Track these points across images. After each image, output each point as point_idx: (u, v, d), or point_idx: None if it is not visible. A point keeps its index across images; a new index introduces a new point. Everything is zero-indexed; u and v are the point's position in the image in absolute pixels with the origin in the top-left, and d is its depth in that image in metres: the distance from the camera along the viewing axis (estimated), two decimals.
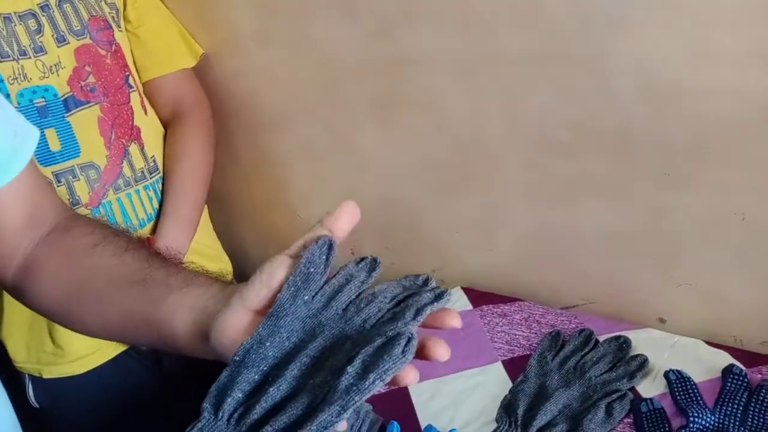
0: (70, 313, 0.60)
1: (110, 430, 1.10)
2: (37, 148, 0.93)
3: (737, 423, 0.76)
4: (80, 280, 0.59)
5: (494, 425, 0.82)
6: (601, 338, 0.92)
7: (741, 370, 0.83)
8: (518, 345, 0.95)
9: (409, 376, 0.41)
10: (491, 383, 0.89)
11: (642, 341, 0.91)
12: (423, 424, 0.84)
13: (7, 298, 1.01)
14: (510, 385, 0.88)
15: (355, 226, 1.20)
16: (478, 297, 1.07)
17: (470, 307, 1.05)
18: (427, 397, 0.88)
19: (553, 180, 0.98)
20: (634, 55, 0.83)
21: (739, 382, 0.81)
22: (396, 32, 0.99)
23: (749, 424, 0.76)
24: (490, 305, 1.04)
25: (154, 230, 1.06)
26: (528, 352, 0.93)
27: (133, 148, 1.05)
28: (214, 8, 1.15)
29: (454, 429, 0.82)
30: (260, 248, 1.40)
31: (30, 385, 1.09)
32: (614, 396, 0.82)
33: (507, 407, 0.84)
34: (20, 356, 1.06)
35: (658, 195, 0.90)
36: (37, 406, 1.10)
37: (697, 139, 0.84)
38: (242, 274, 1.29)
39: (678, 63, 0.81)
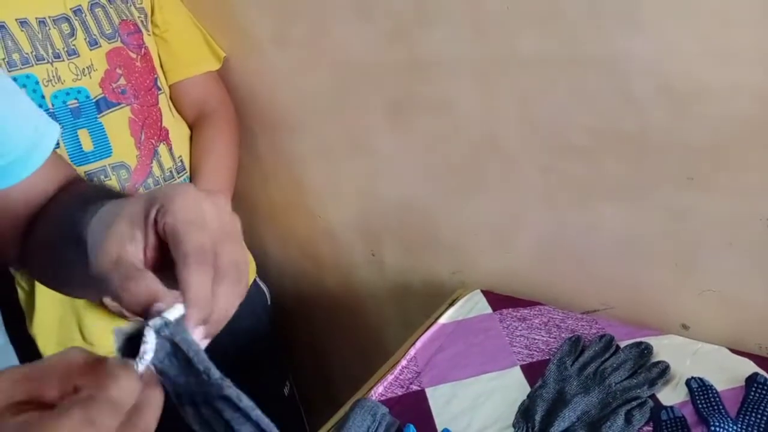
0: (45, 271, 0.61)
1: None
2: (71, 148, 0.97)
3: None
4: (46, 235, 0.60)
5: (511, 431, 0.81)
6: (622, 344, 0.91)
7: (765, 380, 0.81)
8: (537, 350, 0.95)
9: None
10: (509, 388, 0.88)
11: (664, 348, 0.89)
12: (440, 428, 0.83)
13: (39, 294, 1.03)
14: (528, 390, 0.87)
15: (372, 228, 1.22)
16: (498, 300, 1.06)
17: (489, 310, 1.05)
18: (444, 401, 0.88)
19: (571, 183, 0.98)
20: (652, 55, 0.82)
21: (764, 392, 0.80)
22: (412, 34, 1.00)
23: None
24: (510, 309, 1.04)
25: None
26: (547, 357, 0.92)
27: (162, 149, 1.07)
28: (233, 12, 1.17)
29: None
30: (280, 248, 1.42)
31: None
32: (634, 403, 0.81)
33: (524, 412, 0.83)
34: (50, 352, 1.08)
35: (679, 198, 0.89)
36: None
37: (718, 141, 0.83)
38: (262, 273, 1.31)
39: (698, 63, 0.80)
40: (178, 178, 1.09)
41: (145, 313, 0.39)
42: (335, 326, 1.44)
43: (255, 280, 1.28)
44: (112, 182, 1.01)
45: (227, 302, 0.40)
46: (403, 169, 1.15)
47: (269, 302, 1.32)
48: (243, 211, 1.29)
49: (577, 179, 0.97)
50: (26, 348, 1.08)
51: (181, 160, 1.10)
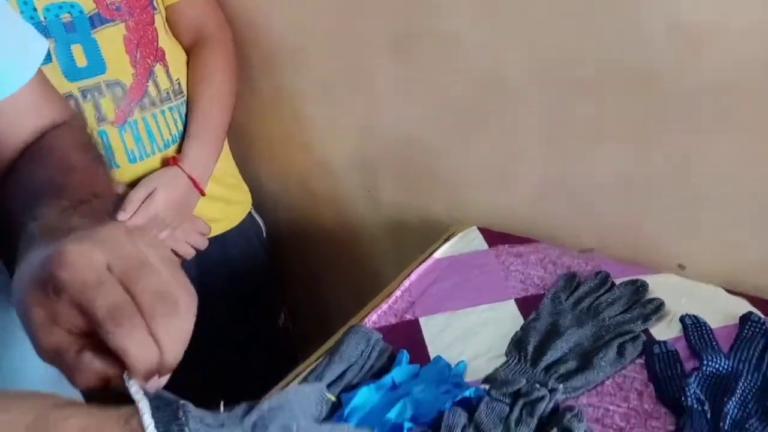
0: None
1: None
2: (64, 63, 0.95)
3: (751, 368, 0.75)
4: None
5: (503, 359, 0.82)
6: (618, 281, 0.91)
7: (759, 318, 0.81)
8: (532, 284, 0.94)
9: None
10: (503, 320, 0.88)
11: (659, 286, 0.89)
12: (432, 356, 0.84)
13: None
14: (522, 322, 0.87)
15: (370, 164, 1.19)
16: (494, 237, 1.06)
17: (485, 246, 1.04)
18: (438, 330, 0.88)
19: (575, 122, 0.96)
20: None
21: (757, 329, 0.80)
22: None
23: (764, 369, 0.74)
24: (506, 245, 1.03)
25: (179, 151, 1.06)
26: (542, 292, 0.92)
27: (159, 69, 1.04)
28: None
29: (462, 361, 0.82)
30: (276, 181, 1.40)
31: None
32: (627, 337, 0.81)
33: (517, 343, 0.83)
34: None
35: (684, 140, 0.87)
36: None
37: (728, 83, 0.81)
38: (258, 207, 1.29)
39: (710, 2, 0.77)
40: (176, 100, 1.07)
41: (101, 388, 0.37)
42: (330, 261, 1.43)
43: (250, 212, 1.27)
44: (107, 100, 0.98)
45: (173, 337, 0.37)
46: (404, 105, 1.13)
47: (264, 234, 1.31)
48: (240, 143, 1.29)
49: (582, 118, 0.95)
50: None
51: (179, 83, 1.08)
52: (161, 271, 0.38)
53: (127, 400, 0.36)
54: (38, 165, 0.59)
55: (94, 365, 0.37)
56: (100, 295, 0.36)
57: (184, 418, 0.35)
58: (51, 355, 0.37)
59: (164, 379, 0.39)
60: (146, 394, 0.36)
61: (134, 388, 0.36)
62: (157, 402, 0.36)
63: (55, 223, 0.46)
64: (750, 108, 0.81)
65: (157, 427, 0.35)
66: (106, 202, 0.54)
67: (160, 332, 0.36)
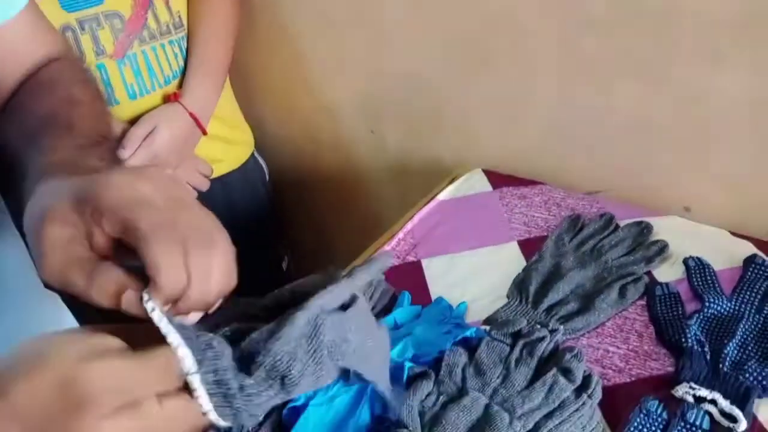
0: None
1: None
2: None
3: (753, 310, 0.75)
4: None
5: (505, 301, 0.82)
6: (622, 223, 0.90)
7: (763, 260, 0.80)
8: (536, 227, 0.94)
9: None
10: (505, 262, 0.88)
11: (664, 228, 0.88)
12: (434, 297, 0.84)
13: None
14: (524, 264, 0.87)
15: (374, 104, 1.16)
16: (499, 179, 1.05)
17: (489, 188, 1.03)
18: (440, 272, 0.88)
19: (586, 59, 0.93)
20: None
21: (760, 272, 0.79)
22: None
23: (765, 312, 0.74)
24: (510, 187, 1.02)
25: (180, 87, 1.04)
26: (545, 234, 0.91)
27: (158, 1, 1.01)
28: None
29: (464, 302, 0.82)
30: (278, 123, 1.38)
31: None
32: (629, 278, 0.81)
33: (519, 284, 0.83)
34: None
35: (697, 77, 0.85)
36: None
37: (743, 16, 0.78)
38: (260, 149, 1.28)
39: None
40: (176, 34, 1.04)
41: (115, 303, 0.36)
42: (333, 203, 1.43)
43: (253, 154, 1.26)
44: (105, 32, 0.96)
45: (203, 271, 0.37)
46: (410, 42, 1.10)
47: (267, 178, 1.30)
48: (239, 82, 1.26)
49: (593, 55, 0.92)
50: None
51: (179, 16, 1.05)
52: (199, 209, 0.39)
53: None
54: (40, 98, 0.58)
55: (113, 273, 0.37)
56: (146, 214, 0.36)
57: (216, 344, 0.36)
58: (65, 273, 0.37)
59: (194, 317, 0.39)
60: (169, 320, 0.36)
61: (150, 305, 0.36)
62: (179, 328, 0.36)
63: (74, 160, 0.46)
64: (765, 41, 0.79)
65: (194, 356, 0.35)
66: (114, 145, 0.54)
67: (192, 262, 0.36)
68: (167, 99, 1.02)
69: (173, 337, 0.35)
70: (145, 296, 0.36)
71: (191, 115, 1.01)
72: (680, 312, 0.76)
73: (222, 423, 0.36)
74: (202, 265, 0.37)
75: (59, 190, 0.39)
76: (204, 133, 1.05)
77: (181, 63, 1.05)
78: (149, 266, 0.35)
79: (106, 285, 0.36)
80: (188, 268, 0.36)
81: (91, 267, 0.37)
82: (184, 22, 1.06)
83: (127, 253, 0.38)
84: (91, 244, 0.38)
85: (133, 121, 0.98)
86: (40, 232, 0.37)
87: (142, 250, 0.35)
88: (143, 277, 0.37)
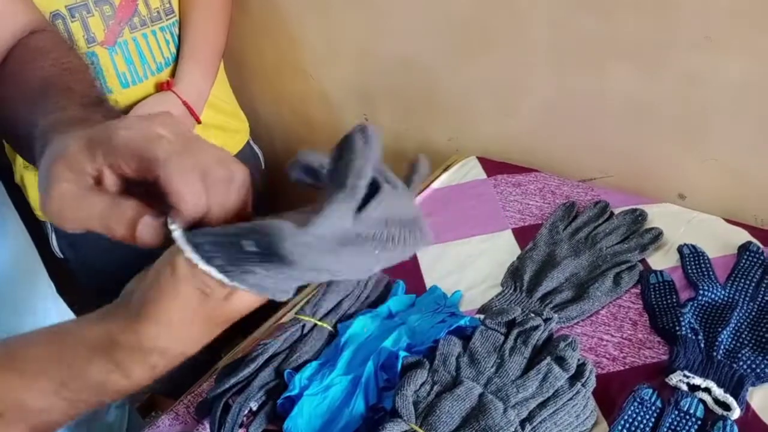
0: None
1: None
2: None
3: (747, 298, 0.75)
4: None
5: (499, 289, 0.82)
6: (617, 211, 0.90)
7: (758, 248, 0.80)
8: (530, 214, 0.94)
9: None
10: (499, 250, 0.88)
11: (658, 215, 0.88)
12: (428, 285, 0.84)
13: None
14: (518, 252, 0.87)
15: (368, 90, 1.15)
16: (493, 166, 1.04)
17: (484, 176, 1.03)
18: (434, 260, 0.88)
19: (580, 41, 0.92)
20: None
21: (755, 259, 0.79)
22: None
23: (759, 300, 0.74)
24: (505, 175, 1.02)
25: (173, 75, 1.03)
26: (540, 222, 0.91)
27: None
28: None
29: (458, 291, 0.82)
30: (271, 109, 1.37)
31: (53, 235, 1.10)
32: (623, 266, 0.81)
33: (513, 272, 0.83)
34: (39, 203, 1.06)
35: (694, 60, 0.84)
36: (61, 255, 1.12)
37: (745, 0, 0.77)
38: (254, 135, 1.27)
39: None
40: (167, 20, 1.03)
41: (130, 231, 0.37)
42: None
43: (248, 142, 1.25)
44: (96, 19, 0.95)
45: (222, 195, 0.37)
46: (404, 25, 1.09)
47: (263, 166, 1.29)
48: (232, 68, 1.25)
49: (588, 37, 0.91)
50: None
51: (170, 2, 1.03)
52: (213, 146, 0.39)
53: None
54: (32, 64, 0.57)
55: (129, 202, 0.37)
56: (162, 144, 0.36)
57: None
58: (75, 204, 0.37)
59: None
60: (189, 235, 0.36)
61: (174, 228, 0.36)
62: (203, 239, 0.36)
63: (82, 116, 0.46)
64: (762, 24, 0.78)
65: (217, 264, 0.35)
66: (112, 106, 0.54)
67: (213, 191, 0.36)
68: (160, 87, 1.01)
69: (194, 256, 0.35)
70: (170, 221, 0.36)
71: (184, 103, 1.00)
72: (674, 300, 0.76)
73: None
74: (221, 190, 0.37)
75: (70, 138, 0.39)
76: (198, 121, 1.04)
77: (173, 50, 1.04)
78: (171, 192, 0.35)
79: (124, 211, 0.37)
80: (208, 193, 0.36)
81: (102, 199, 0.37)
82: (175, 8, 1.04)
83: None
84: (112, 181, 0.38)
85: (127, 110, 0.97)
86: (49, 169, 0.38)
87: (161, 177, 0.35)
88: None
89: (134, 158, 0.36)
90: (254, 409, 0.68)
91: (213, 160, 0.37)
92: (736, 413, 0.62)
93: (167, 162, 0.35)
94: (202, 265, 0.35)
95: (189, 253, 0.35)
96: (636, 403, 0.63)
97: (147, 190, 0.37)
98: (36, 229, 1.06)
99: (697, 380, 0.64)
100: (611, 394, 0.66)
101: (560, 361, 0.65)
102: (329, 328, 0.75)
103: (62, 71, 0.55)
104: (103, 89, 0.59)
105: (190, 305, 0.35)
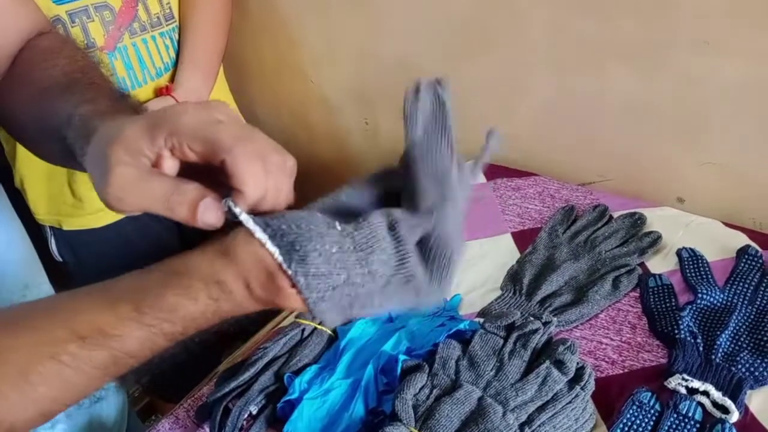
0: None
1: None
2: None
3: (745, 302, 0.75)
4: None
5: (499, 293, 0.82)
6: (616, 215, 0.90)
7: (756, 251, 0.81)
8: (530, 218, 0.94)
9: None
10: (498, 253, 0.88)
11: (657, 219, 0.89)
12: None
13: (21, 148, 1.01)
14: (518, 256, 0.87)
15: (368, 93, 1.15)
16: (493, 170, 1.04)
17: (483, 180, 1.03)
18: None
19: (580, 44, 0.93)
20: None
21: (753, 263, 0.80)
22: None
23: (758, 303, 0.75)
24: (504, 178, 1.02)
25: (172, 80, 1.03)
26: (539, 226, 0.92)
27: None
28: None
29: (458, 294, 0.82)
30: (271, 113, 1.38)
31: (52, 239, 1.11)
32: (622, 270, 0.81)
33: (513, 276, 0.83)
34: (40, 208, 1.07)
35: (692, 63, 0.84)
36: (60, 259, 1.12)
37: (739, 2, 0.78)
38: None
39: None
40: (167, 25, 1.03)
41: (192, 211, 0.38)
42: (328, 194, 1.42)
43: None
44: (96, 24, 0.95)
45: (279, 182, 0.39)
46: (403, 27, 1.09)
47: None
48: (232, 71, 1.25)
49: (587, 39, 0.91)
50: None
51: (170, 7, 1.04)
52: (269, 138, 0.40)
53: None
54: (47, 63, 0.58)
55: (191, 184, 0.38)
56: (226, 128, 0.37)
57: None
58: (136, 185, 0.38)
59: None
60: (254, 219, 0.37)
61: (239, 210, 0.37)
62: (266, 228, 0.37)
63: (117, 108, 0.47)
64: (761, 27, 0.78)
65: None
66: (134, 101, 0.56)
67: (271, 178, 0.38)
68: (159, 92, 1.02)
69: (261, 234, 0.37)
70: (232, 204, 0.37)
71: None
72: (673, 303, 0.76)
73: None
74: (279, 178, 0.38)
75: (125, 123, 0.40)
76: None
77: (173, 55, 1.04)
78: (235, 176, 0.37)
79: (186, 193, 0.38)
80: (267, 180, 0.38)
81: (163, 181, 0.38)
82: (175, 13, 1.05)
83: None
84: (171, 162, 0.40)
85: None
86: (106, 153, 0.38)
87: (227, 161, 0.37)
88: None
89: (200, 141, 0.37)
90: (254, 412, 0.68)
91: (270, 146, 0.38)
92: (734, 416, 0.62)
93: (233, 147, 0.37)
94: (270, 247, 0.36)
95: (259, 233, 0.37)
96: (635, 407, 0.63)
97: (199, 175, 0.39)
98: (35, 233, 1.06)
99: (696, 383, 0.64)
100: (610, 397, 0.66)
101: (559, 364, 0.65)
102: (329, 332, 0.75)
103: (80, 69, 0.56)
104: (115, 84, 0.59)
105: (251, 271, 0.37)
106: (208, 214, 0.38)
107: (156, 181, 0.38)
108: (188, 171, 0.39)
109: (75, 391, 0.37)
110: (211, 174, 0.39)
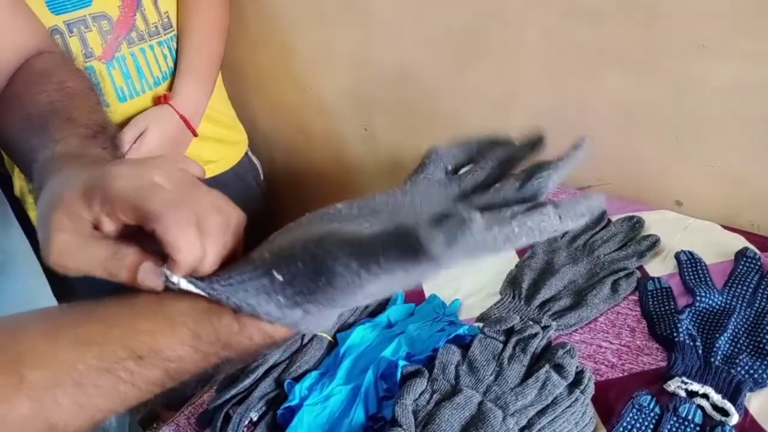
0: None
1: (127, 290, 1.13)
2: None
3: (744, 304, 0.75)
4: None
5: (498, 297, 0.82)
6: (614, 218, 0.90)
7: (755, 254, 0.81)
8: None
9: None
10: (497, 258, 0.88)
11: (656, 222, 0.89)
12: (427, 294, 0.84)
13: None
14: (516, 261, 0.87)
15: (366, 101, 1.16)
16: None
17: None
18: None
19: (576, 49, 0.93)
20: None
21: (752, 265, 0.80)
22: None
23: (756, 306, 0.75)
24: None
25: (170, 89, 1.04)
26: None
27: (146, 1, 1.01)
28: None
29: (457, 299, 0.82)
30: (269, 120, 1.38)
31: None
32: (621, 274, 0.81)
33: (512, 280, 0.84)
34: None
35: (688, 67, 0.85)
36: None
37: (734, 5, 0.78)
38: (252, 146, 1.28)
39: None
40: (165, 34, 1.03)
41: (131, 276, 0.38)
42: (327, 201, 1.41)
43: (246, 153, 1.26)
44: (94, 34, 0.95)
45: (219, 244, 0.38)
46: (400, 36, 1.10)
47: (262, 177, 1.30)
48: (230, 79, 1.26)
49: (583, 45, 0.92)
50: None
51: (168, 17, 1.04)
52: (210, 191, 0.39)
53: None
54: (36, 88, 0.58)
55: (129, 249, 0.38)
56: (157, 195, 0.37)
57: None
58: (75, 253, 0.38)
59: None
60: (195, 284, 0.37)
61: (176, 278, 0.37)
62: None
63: (78, 151, 0.48)
64: (756, 30, 0.79)
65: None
66: (116, 135, 0.56)
67: (209, 240, 0.37)
68: (157, 101, 1.02)
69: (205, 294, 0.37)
70: (167, 271, 0.37)
71: (181, 116, 1.01)
72: (672, 306, 0.76)
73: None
74: (218, 236, 0.38)
75: (68, 180, 0.40)
76: (195, 134, 1.04)
77: (171, 64, 1.05)
78: (167, 245, 0.36)
79: (124, 258, 0.38)
80: (204, 242, 0.37)
81: (102, 246, 0.38)
82: (173, 22, 1.05)
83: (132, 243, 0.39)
84: (109, 230, 0.39)
85: (124, 124, 0.98)
86: (49, 218, 0.38)
87: (157, 230, 0.36)
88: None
89: (131, 209, 0.37)
90: (254, 419, 0.68)
91: (209, 207, 0.38)
92: (734, 419, 0.62)
93: (162, 215, 0.36)
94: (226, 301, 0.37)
95: (202, 294, 0.37)
96: (635, 410, 0.63)
97: (146, 231, 0.38)
98: (35, 240, 1.06)
99: (696, 386, 0.64)
100: (610, 401, 0.66)
101: (559, 368, 0.65)
102: (329, 338, 0.76)
103: (65, 96, 0.57)
104: (105, 111, 0.59)
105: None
106: (148, 278, 0.37)
107: (94, 247, 0.38)
108: (137, 228, 0.39)
109: (127, 402, 0.37)
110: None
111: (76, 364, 0.35)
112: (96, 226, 0.38)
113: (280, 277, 0.36)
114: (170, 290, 0.38)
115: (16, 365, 0.34)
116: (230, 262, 0.39)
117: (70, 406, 0.35)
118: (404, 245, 0.33)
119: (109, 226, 0.38)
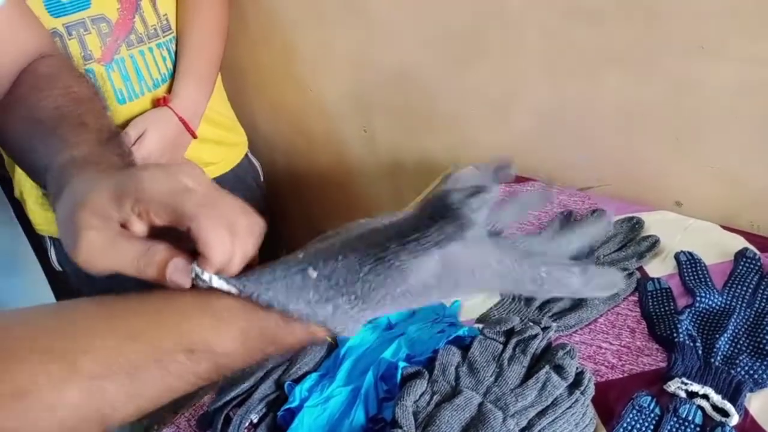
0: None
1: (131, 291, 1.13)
2: None
3: (744, 304, 0.75)
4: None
5: (498, 298, 0.82)
6: (614, 219, 0.90)
7: (755, 254, 0.81)
8: (528, 223, 0.94)
9: None
10: None
11: (655, 223, 0.89)
12: None
13: None
14: None
15: (366, 102, 1.16)
16: None
17: None
18: None
19: (575, 50, 0.93)
20: None
21: (751, 266, 0.80)
22: None
23: (756, 306, 0.75)
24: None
25: (170, 91, 1.04)
26: (537, 231, 0.92)
27: (145, 3, 1.01)
28: None
29: (457, 301, 0.82)
30: (270, 122, 1.38)
31: (52, 249, 1.11)
32: (621, 274, 0.81)
33: None
34: (39, 219, 1.07)
35: (687, 67, 0.85)
36: (60, 269, 1.12)
37: (733, 6, 0.78)
38: (252, 148, 1.28)
39: None
40: (164, 36, 1.03)
41: (161, 272, 0.39)
42: (327, 203, 1.43)
43: (246, 155, 1.26)
44: (93, 37, 0.95)
45: (246, 244, 0.40)
46: (400, 37, 1.10)
47: (262, 178, 1.30)
48: (230, 79, 1.26)
49: (582, 46, 0.92)
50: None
51: (167, 19, 1.04)
52: (233, 198, 0.41)
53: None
54: (43, 92, 0.59)
55: (159, 246, 0.39)
56: (191, 196, 0.38)
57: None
58: (104, 250, 0.39)
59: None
60: (228, 282, 0.38)
61: (207, 275, 0.38)
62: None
63: (96, 156, 0.49)
64: (755, 31, 0.79)
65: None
66: (123, 139, 0.57)
67: (239, 241, 0.39)
68: (157, 103, 1.02)
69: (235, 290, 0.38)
70: (198, 269, 0.38)
71: (180, 118, 1.01)
72: (672, 307, 0.76)
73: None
74: (246, 240, 0.39)
75: (93, 185, 0.41)
76: (194, 136, 1.04)
77: (170, 66, 1.05)
78: (201, 242, 0.38)
79: (155, 255, 0.39)
80: (234, 242, 0.39)
81: (132, 244, 0.39)
82: (172, 24, 1.05)
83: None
84: (139, 231, 0.41)
85: (123, 126, 0.98)
86: (75, 218, 0.40)
87: (192, 228, 0.38)
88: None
89: (165, 211, 0.38)
90: (255, 421, 0.68)
91: (238, 210, 0.40)
92: (734, 419, 0.62)
93: (197, 215, 0.38)
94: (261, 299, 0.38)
95: (234, 291, 0.38)
96: (635, 411, 0.63)
97: (172, 232, 0.40)
98: (35, 242, 1.07)
99: (696, 387, 0.64)
100: (610, 401, 0.66)
101: (559, 369, 0.65)
102: (329, 339, 0.76)
103: (72, 101, 0.57)
104: (113, 117, 0.60)
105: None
106: (177, 274, 0.39)
107: (125, 245, 0.39)
108: (164, 229, 0.40)
109: (173, 394, 0.39)
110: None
111: (128, 355, 0.36)
112: (124, 225, 0.40)
113: (314, 273, 0.38)
114: (197, 288, 0.39)
115: (70, 353, 0.35)
116: (249, 266, 0.40)
117: (118, 395, 0.36)
118: (441, 210, 0.35)
119: (139, 226, 0.40)
